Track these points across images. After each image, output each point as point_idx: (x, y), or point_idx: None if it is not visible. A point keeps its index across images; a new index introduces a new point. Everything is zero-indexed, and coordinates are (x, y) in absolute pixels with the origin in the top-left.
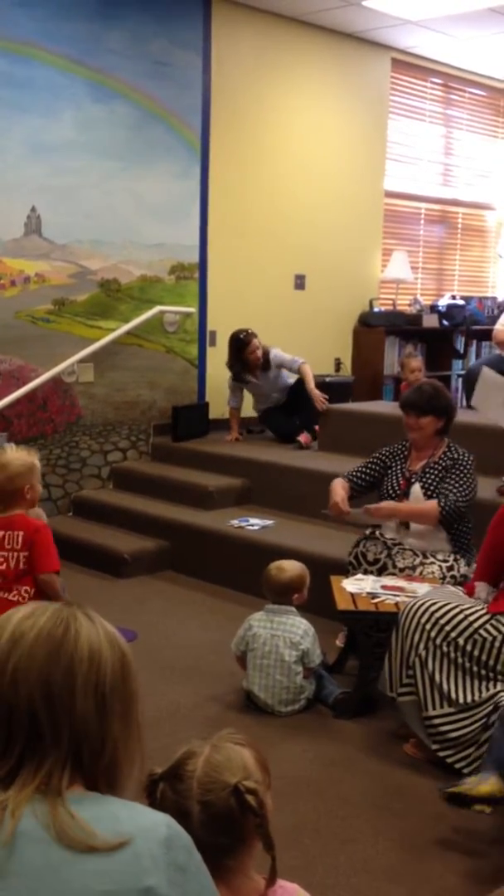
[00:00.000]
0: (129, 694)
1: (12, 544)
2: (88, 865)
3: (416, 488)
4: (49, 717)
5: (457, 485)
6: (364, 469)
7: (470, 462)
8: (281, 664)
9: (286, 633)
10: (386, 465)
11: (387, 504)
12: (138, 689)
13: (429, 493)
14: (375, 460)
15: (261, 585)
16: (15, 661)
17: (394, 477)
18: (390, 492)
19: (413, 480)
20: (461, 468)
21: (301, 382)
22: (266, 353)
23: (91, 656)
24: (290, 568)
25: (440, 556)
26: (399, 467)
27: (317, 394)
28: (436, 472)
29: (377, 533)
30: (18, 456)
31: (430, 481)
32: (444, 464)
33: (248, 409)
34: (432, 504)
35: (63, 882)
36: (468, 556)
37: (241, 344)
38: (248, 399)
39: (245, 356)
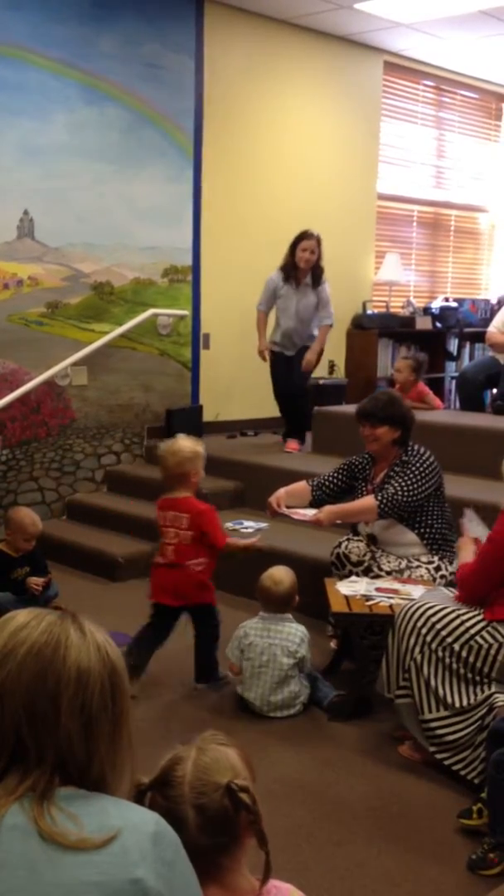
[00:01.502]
0: (118, 713)
1: (179, 524)
2: (79, 858)
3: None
4: (33, 736)
5: (400, 481)
6: (329, 478)
7: (423, 462)
8: (278, 672)
9: (283, 641)
10: (353, 475)
11: (327, 510)
12: (129, 705)
13: None
14: (342, 469)
15: (255, 589)
16: (2, 678)
17: (360, 490)
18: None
19: (376, 493)
20: (409, 467)
21: (313, 387)
22: (318, 267)
23: (79, 677)
24: (285, 578)
25: (424, 559)
26: (363, 478)
27: (312, 358)
28: (390, 479)
29: (362, 534)
30: (188, 444)
31: None
32: (397, 469)
33: (242, 411)
34: (369, 499)
35: (54, 874)
36: (449, 555)
37: (300, 236)
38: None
39: (298, 251)
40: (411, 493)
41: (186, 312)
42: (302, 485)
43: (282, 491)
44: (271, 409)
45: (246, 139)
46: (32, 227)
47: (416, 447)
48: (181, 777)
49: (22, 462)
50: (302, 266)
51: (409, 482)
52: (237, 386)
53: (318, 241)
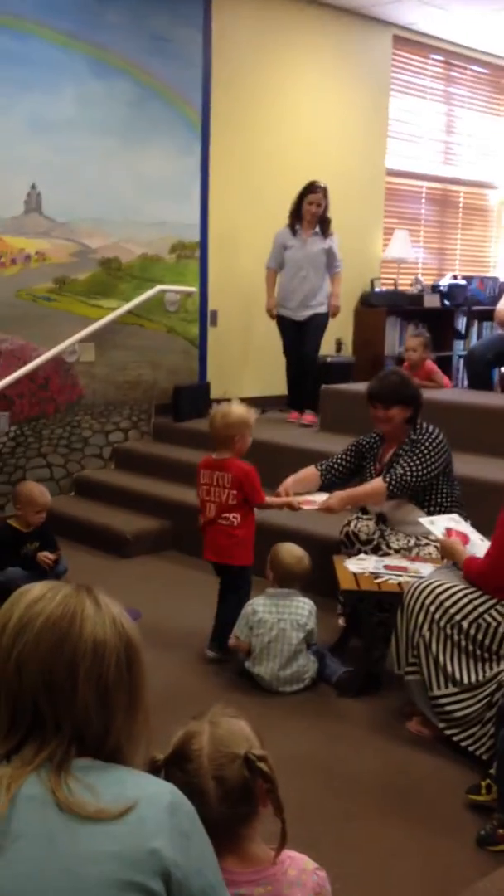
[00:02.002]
0: (134, 683)
1: (223, 483)
2: (96, 828)
3: None
4: (50, 707)
5: (408, 461)
6: (337, 460)
7: (431, 440)
8: (288, 647)
9: (292, 615)
10: (361, 455)
11: (338, 497)
12: (145, 677)
13: None
14: (350, 450)
15: (264, 566)
16: (20, 649)
17: (368, 470)
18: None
19: (384, 472)
20: (418, 447)
21: (322, 364)
22: (325, 217)
23: (95, 648)
24: (304, 555)
25: (433, 537)
26: (372, 458)
27: (336, 303)
28: (399, 458)
29: (371, 513)
30: (238, 410)
31: None
32: (406, 448)
33: (250, 389)
34: (378, 482)
35: (71, 844)
36: None
37: (307, 187)
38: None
39: (304, 204)
40: (420, 473)
41: (194, 289)
42: (310, 470)
43: (289, 479)
44: (279, 386)
45: (254, 113)
46: (40, 202)
47: (424, 425)
48: (199, 750)
49: (30, 438)
50: (308, 218)
51: (417, 461)
52: (245, 363)
53: (325, 192)
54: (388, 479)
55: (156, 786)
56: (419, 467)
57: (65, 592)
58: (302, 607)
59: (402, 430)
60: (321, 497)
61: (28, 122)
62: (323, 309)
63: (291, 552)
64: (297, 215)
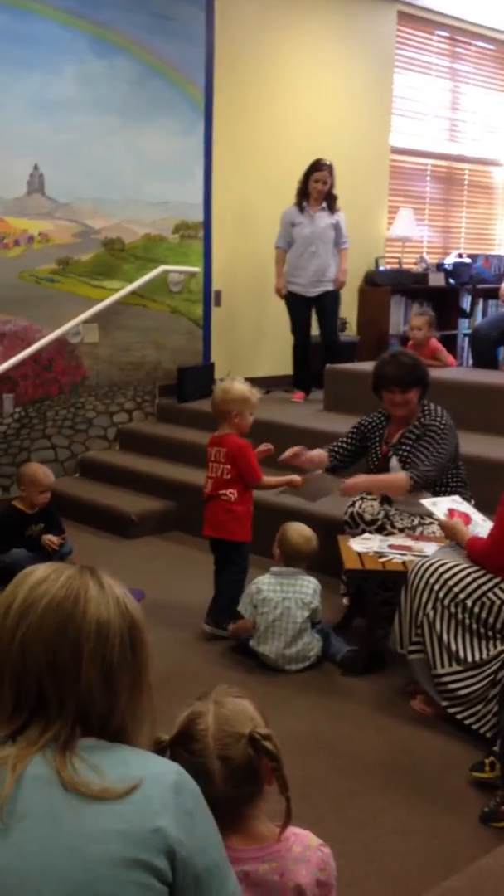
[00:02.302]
0: (138, 664)
1: (219, 458)
2: (101, 807)
3: (395, 462)
4: (55, 688)
5: (427, 453)
6: (343, 442)
7: (442, 425)
8: (293, 626)
9: (297, 594)
10: (365, 436)
11: (360, 479)
12: (149, 657)
13: (405, 464)
14: (354, 431)
15: (268, 545)
16: (23, 631)
17: (373, 451)
18: (371, 466)
19: (391, 454)
20: (432, 436)
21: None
22: (331, 194)
23: (99, 629)
24: (313, 536)
25: (436, 517)
26: (378, 439)
27: (342, 279)
28: (410, 441)
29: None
30: (239, 387)
31: (405, 452)
32: (417, 432)
33: (254, 369)
34: (403, 476)
35: (77, 823)
36: None
37: (313, 165)
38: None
39: (311, 182)
40: (440, 464)
41: (198, 269)
42: (320, 451)
43: (313, 451)
44: (283, 367)
45: (257, 91)
46: (42, 183)
47: (431, 406)
48: (204, 730)
49: (35, 420)
50: (315, 196)
51: (435, 452)
52: (249, 343)
53: (331, 169)
54: (413, 476)
55: (160, 765)
56: (438, 459)
57: (68, 574)
58: (307, 586)
59: (415, 411)
60: (318, 473)
61: (30, 102)
62: (333, 286)
63: (300, 532)
64: (303, 193)
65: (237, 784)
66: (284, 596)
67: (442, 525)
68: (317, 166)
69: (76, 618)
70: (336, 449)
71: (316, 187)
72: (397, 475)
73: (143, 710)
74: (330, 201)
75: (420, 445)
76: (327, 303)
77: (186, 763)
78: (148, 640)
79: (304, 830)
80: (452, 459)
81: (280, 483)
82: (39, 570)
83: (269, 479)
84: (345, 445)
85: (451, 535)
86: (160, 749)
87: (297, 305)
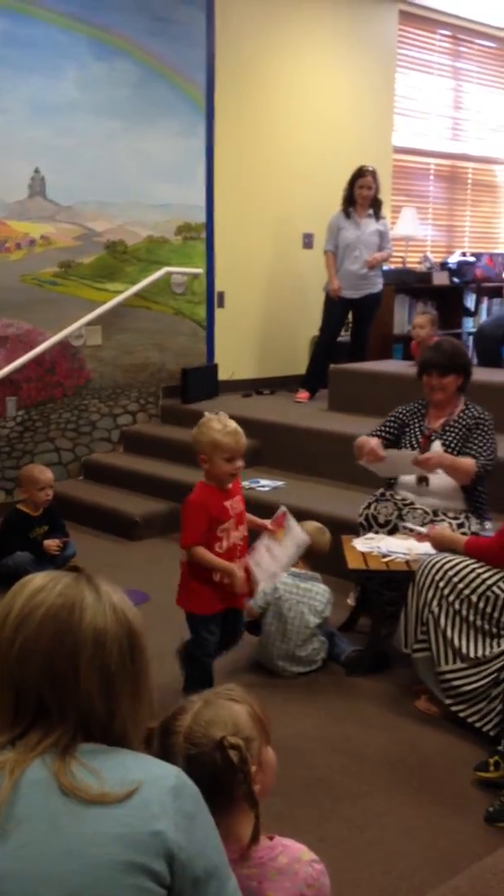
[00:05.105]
0: (137, 671)
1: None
2: (100, 811)
3: (437, 446)
4: (54, 697)
5: (483, 446)
6: (383, 429)
7: (490, 422)
8: (304, 630)
9: (311, 600)
10: (404, 423)
11: (436, 454)
12: (148, 663)
13: (450, 450)
14: (393, 419)
15: None
16: (21, 641)
17: (412, 435)
18: (409, 450)
19: (433, 438)
20: (484, 429)
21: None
22: (377, 199)
23: (96, 638)
24: (327, 530)
25: (451, 514)
26: (417, 425)
27: (375, 260)
28: (457, 430)
29: (388, 494)
30: (212, 429)
31: (451, 439)
32: (465, 422)
33: (258, 370)
34: (470, 461)
35: (75, 827)
36: (480, 516)
37: (357, 173)
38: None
39: (356, 188)
40: (492, 461)
41: (200, 271)
42: (367, 437)
43: (373, 440)
44: (287, 368)
45: (259, 92)
46: (44, 186)
47: (474, 405)
48: (180, 727)
49: (38, 423)
50: (361, 202)
51: (489, 450)
52: (253, 344)
53: (374, 175)
54: (479, 463)
55: (160, 768)
56: (490, 453)
57: (65, 582)
58: (322, 595)
59: (454, 399)
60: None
61: (31, 106)
62: (376, 289)
63: (317, 526)
64: (349, 200)
65: (201, 788)
66: (299, 599)
67: (430, 540)
68: (361, 173)
69: (72, 627)
70: (380, 434)
71: (361, 193)
72: (466, 459)
73: (144, 715)
74: (376, 207)
75: (474, 437)
76: (371, 304)
77: (159, 755)
78: (147, 646)
79: (297, 844)
80: None
81: (222, 568)
82: (37, 579)
83: (203, 554)
84: (387, 431)
85: (443, 543)
86: (148, 737)
87: (336, 306)
